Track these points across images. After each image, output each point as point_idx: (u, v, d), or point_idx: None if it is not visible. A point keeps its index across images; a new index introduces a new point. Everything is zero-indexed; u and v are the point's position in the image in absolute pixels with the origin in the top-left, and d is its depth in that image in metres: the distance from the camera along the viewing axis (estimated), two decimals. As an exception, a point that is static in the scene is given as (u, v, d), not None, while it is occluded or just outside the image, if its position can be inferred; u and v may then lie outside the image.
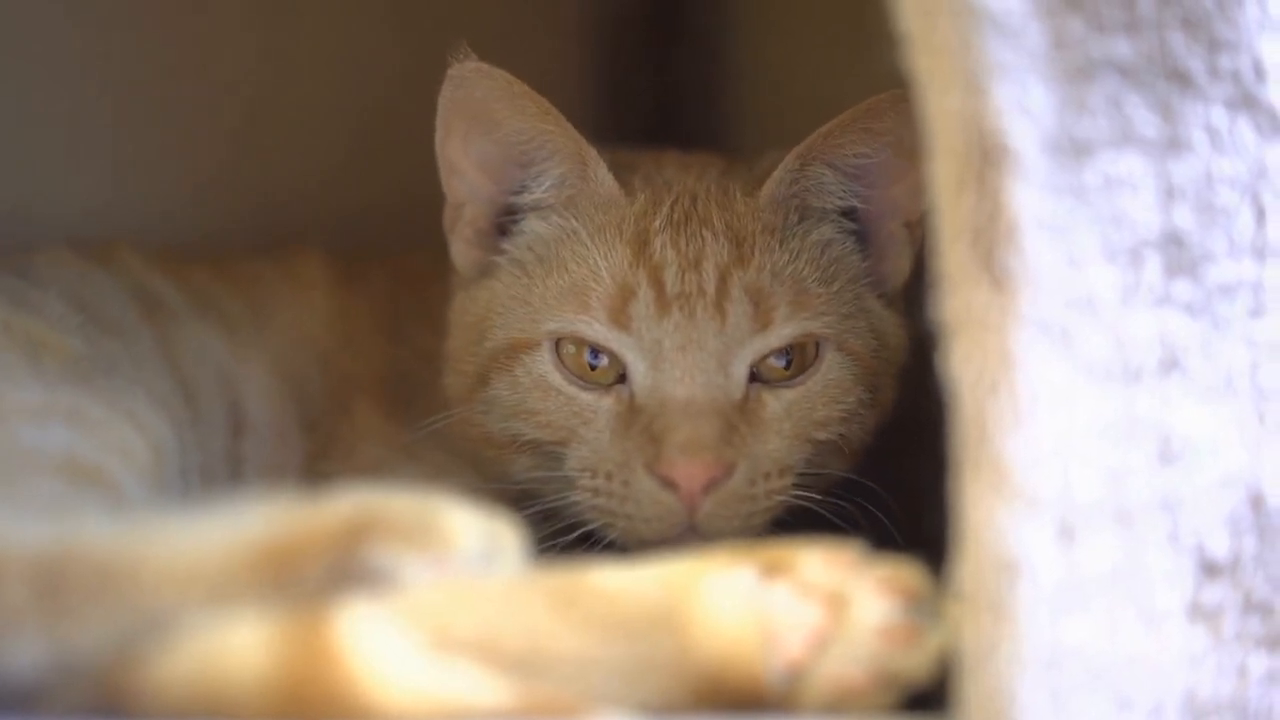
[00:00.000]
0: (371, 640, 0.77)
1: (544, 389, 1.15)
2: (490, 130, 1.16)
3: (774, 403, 1.13)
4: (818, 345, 1.14)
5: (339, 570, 0.78)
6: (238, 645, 0.76)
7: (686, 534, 1.10)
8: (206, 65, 1.55)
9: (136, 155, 1.54)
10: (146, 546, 0.79)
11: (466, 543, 0.80)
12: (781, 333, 1.12)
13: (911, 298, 1.20)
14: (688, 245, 1.13)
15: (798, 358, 1.14)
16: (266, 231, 1.50)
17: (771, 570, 0.81)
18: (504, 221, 1.21)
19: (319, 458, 1.27)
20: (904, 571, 0.81)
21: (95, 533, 0.80)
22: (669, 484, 1.08)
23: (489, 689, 0.77)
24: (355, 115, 1.61)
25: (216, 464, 1.23)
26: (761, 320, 1.12)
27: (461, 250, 1.22)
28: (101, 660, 0.77)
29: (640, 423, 1.10)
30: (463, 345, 1.21)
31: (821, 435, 1.14)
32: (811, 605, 0.80)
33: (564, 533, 1.13)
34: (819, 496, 1.13)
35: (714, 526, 1.09)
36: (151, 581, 0.77)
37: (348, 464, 1.24)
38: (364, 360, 1.32)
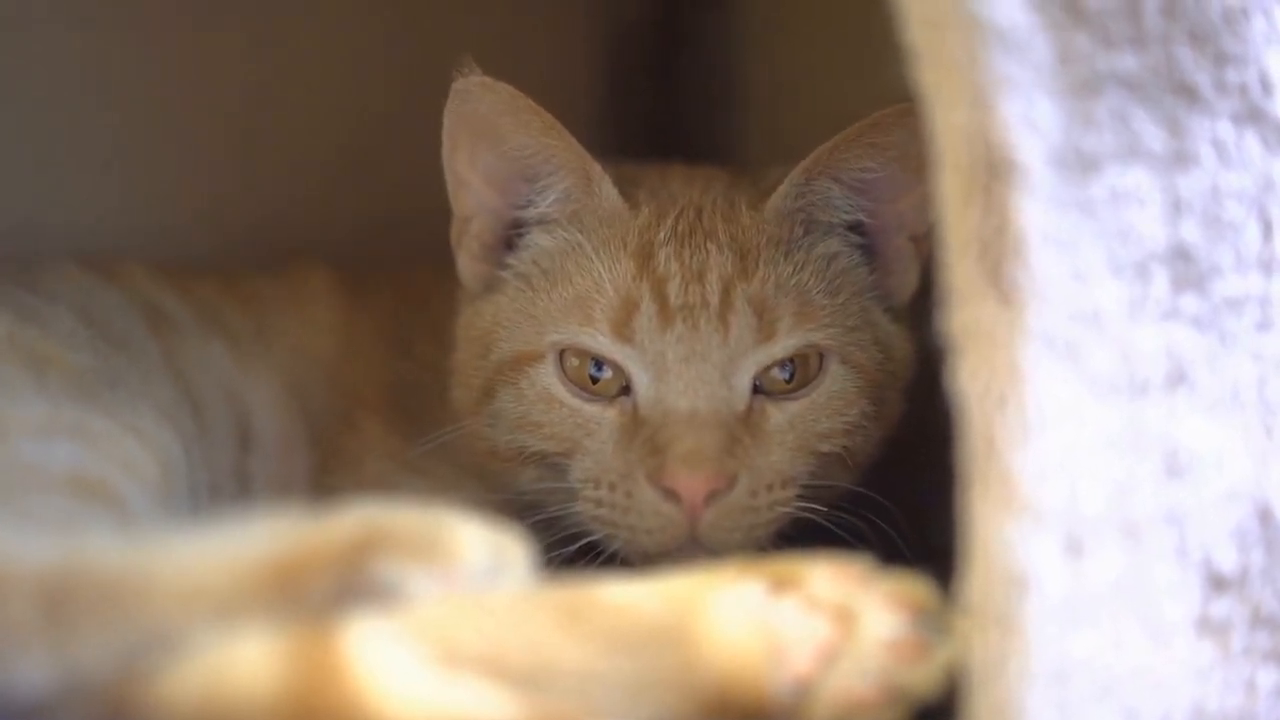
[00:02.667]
0: (378, 655, 0.77)
1: (548, 401, 1.15)
2: (496, 144, 1.16)
3: (777, 414, 1.13)
4: (821, 357, 1.15)
5: (346, 585, 0.78)
6: (245, 661, 0.76)
7: (689, 546, 1.10)
8: (209, 78, 1.55)
9: (140, 169, 1.54)
10: (153, 563, 0.78)
11: (473, 557, 0.80)
12: (786, 344, 1.12)
13: (918, 311, 1.20)
14: (692, 257, 1.13)
15: (800, 370, 1.14)
16: (269, 243, 1.50)
17: (779, 585, 0.81)
18: (510, 235, 1.21)
19: (325, 471, 1.27)
20: (912, 586, 0.81)
21: (101, 549, 0.80)
22: (671, 495, 1.08)
23: (496, 703, 0.77)
24: (359, 128, 1.61)
25: (223, 478, 1.23)
26: (765, 332, 1.12)
27: (467, 264, 1.22)
28: (108, 677, 0.76)
29: (643, 434, 1.11)
30: (468, 359, 1.21)
31: (825, 447, 1.14)
32: (819, 620, 0.79)
33: (568, 543, 1.13)
34: (823, 508, 1.13)
35: (716, 538, 1.09)
36: (158, 598, 0.77)
37: (354, 478, 1.25)
38: (369, 374, 1.32)
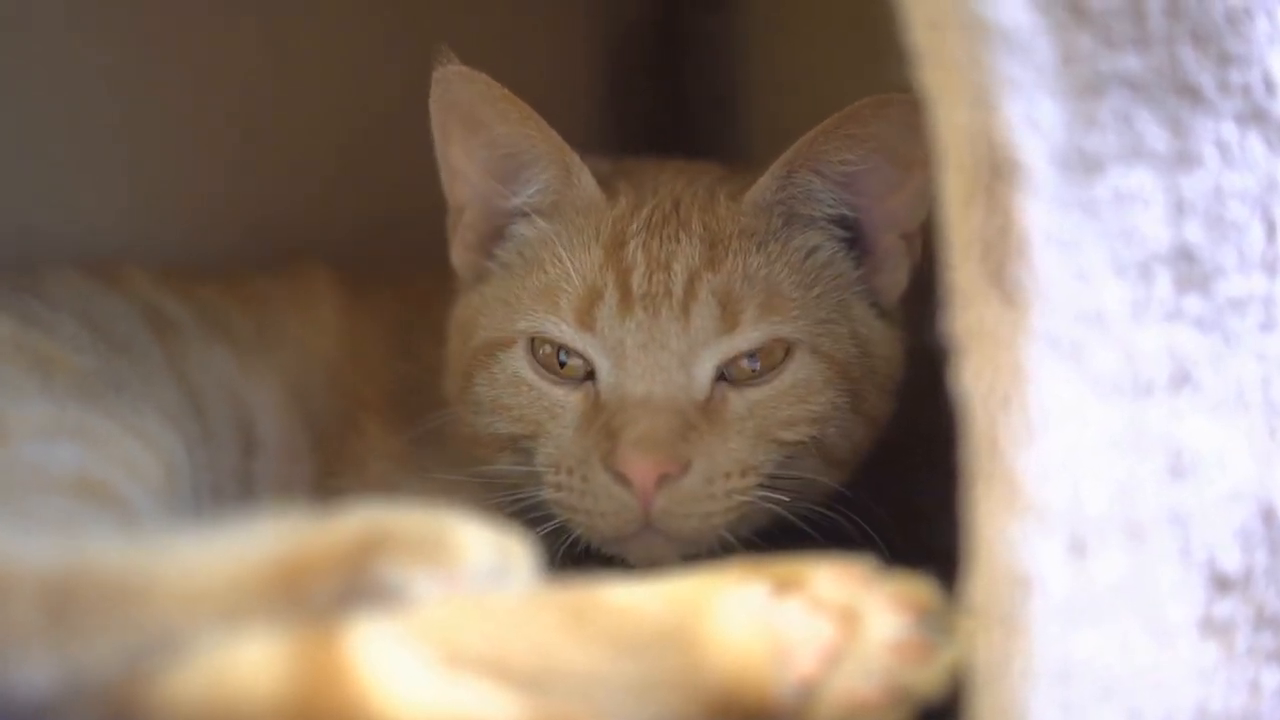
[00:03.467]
0: (382, 657, 0.77)
1: (517, 384, 1.16)
2: (482, 134, 1.18)
3: (738, 401, 1.13)
4: (788, 347, 1.14)
5: (349, 587, 0.78)
6: (248, 663, 0.76)
7: (645, 532, 1.10)
8: (211, 80, 1.56)
9: (141, 172, 1.55)
10: (157, 564, 0.78)
11: (477, 558, 0.80)
12: (750, 335, 1.12)
13: (918, 312, 1.19)
14: (661, 248, 1.14)
15: (765, 359, 1.14)
16: (272, 245, 1.50)
17: (783, 586, 0.81)
18: (501, 226, 1.22)
19: (329, 474, 1.28)
20: (916, 586, 0.81)
21: (105, 550, 0.80)
22: (622, 479, 1.09)
23: (499, 705, 0.77)
24: (360, 129, 1.61)
25: (227, 481, 1.24)
26: (728, 322, 1.12)
27: (460, 254, 1.24)
28: (112, 678, 0.76)
29: (601, 419, 1.11)
30: (455, 347, 1.24)
31: (789, 435, 1.14)
32: (823, 621, 0.79)
33: (540, 524, 1.13)
34: (786, 498, 1.13)
35: (670, 524, 1.10)
36: (162, 599, 0.77)
37: (357, 480, 1.25)
38: (372, 376, 1.33)
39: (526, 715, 0.77)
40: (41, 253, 1.35)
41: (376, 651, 0.77)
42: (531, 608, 0.80)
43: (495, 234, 1.23)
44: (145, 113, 1.54)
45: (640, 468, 1.08)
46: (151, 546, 0.81)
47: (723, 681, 0.79)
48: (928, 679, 0.80)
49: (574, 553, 1.13)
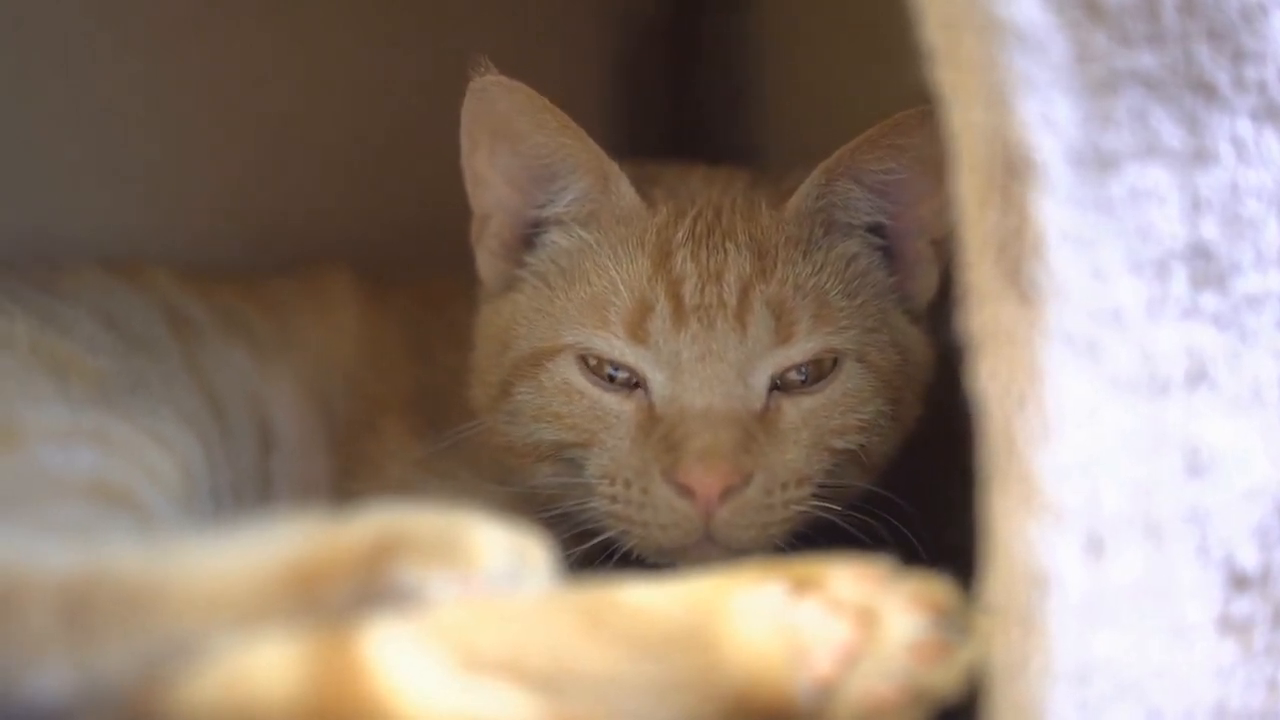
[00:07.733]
0: (399, 660, 0.77)
1: (567, 392, 1.15)
2: (513, 143, 1.17)
3: (792, 411, 1.13)
4: (835, 356, 1.14)
5: (365, 589, 0.78)
6: (265, 666, 0.76)
7: (703, 543, 1.10)
8: (228, 85, 1.56)
9: (159, 175, 1.55)
10: (173, 569, 0.78)
11: (493, 560, 0.80)
12: (805, 347, 1.12)
13: (937, 313, 1.20)
14: (709, 258, 1.14)
15: (814, 367, 1.14)
16: (289, 249, 1.50)
17: (801, 586, 0.81)
18: (529, 234, 1.22)
19: (347, 476, 1.27)
20: (933, 586, 0.81)
21: (122, 555, 0.80)
22: (686, 491, 1.09)
23: (516, 707, 0.77)
24: (377, 136, 1.61)
25: (246, 482, 1.23)
26: (783, 334, 1.12)
27: (486, 261, 1.23)
28: (129, 683, 0.76)
29: (659, 431, 1.11)
30: (487, 356, 1.22)
31: (840, 444, 1.14)
32: (841, 621, 0.79)
33: (583, 540, 1.13)
34: (838, 508, 1.13)
35: (731, 535, 1.10)
36: (179, 604, 0.77)
37: (375, 483, 1.25)
38: (391, 379, 1.33)
39: (543, 717, 0.77)
40: (58, 256, 1.35)
41: (393, 654, 0.77)
42: (548, 609, 0.80)
43: (523, 242, 1.22)
44: (163, 115, 1.54)
45: (705, 480, 1.08)
46: (168, 551, 0.81)
47: (739, 683, 0.79)
48: (946, 679, 0.79)
49: (585, 550, 1.13)
